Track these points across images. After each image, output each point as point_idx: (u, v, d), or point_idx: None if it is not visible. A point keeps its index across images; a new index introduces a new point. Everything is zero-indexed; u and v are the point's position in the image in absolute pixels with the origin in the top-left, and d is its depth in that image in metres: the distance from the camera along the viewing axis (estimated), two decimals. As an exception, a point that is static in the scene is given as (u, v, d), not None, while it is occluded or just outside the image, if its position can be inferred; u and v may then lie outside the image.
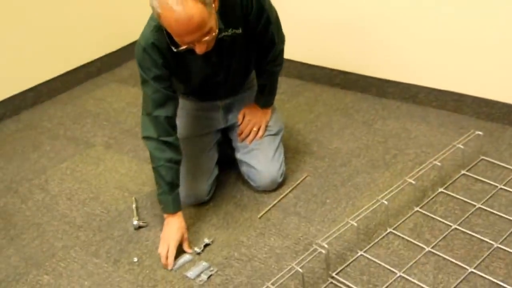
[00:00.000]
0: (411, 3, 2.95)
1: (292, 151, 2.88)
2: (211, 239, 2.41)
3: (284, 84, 3.42)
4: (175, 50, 2.12)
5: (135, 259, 2.37)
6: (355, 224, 2.21)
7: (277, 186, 2.64)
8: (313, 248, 2.13)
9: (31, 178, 2.96)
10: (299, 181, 2.69)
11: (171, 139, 2.33)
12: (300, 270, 2.04)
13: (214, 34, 2.08)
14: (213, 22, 2.05)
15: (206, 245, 2.40)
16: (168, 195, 2.34)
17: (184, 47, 2.10)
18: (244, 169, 2.65)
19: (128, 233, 2.51)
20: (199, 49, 2.09)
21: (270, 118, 2.69)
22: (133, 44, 3.99)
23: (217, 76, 2.45)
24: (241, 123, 2.64)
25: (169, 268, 2.29)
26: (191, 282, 2.23)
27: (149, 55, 2.21)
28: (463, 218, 2.35)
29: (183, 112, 2.61)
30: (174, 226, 2.34)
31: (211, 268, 2.28)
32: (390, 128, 3.01)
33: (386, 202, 2.27)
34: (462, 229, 2.30)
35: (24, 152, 3.21)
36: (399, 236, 2.31)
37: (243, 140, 2.63)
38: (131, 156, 3.04)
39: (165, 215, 2.38)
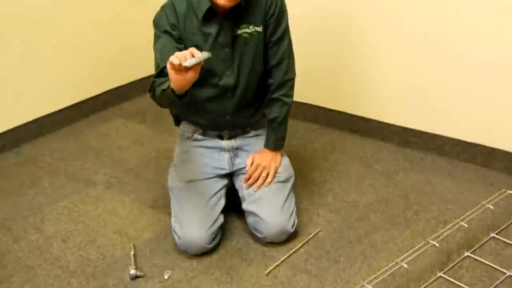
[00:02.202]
0: (440, 47, 2.80)
1: (306, 202, 2.69)
2: None
3: (299, 129, 3.27)
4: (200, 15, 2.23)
5: None
6: (372, 289, 1.99)
7: (286, 238, 2.45)
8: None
9: (27, 216, 2.79)
10: (311, 236, 2.50)
11: None
12: None
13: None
14: None
15: (207, 302, 2.20)
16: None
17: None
18: (250, 220, 2.47)
19: (124, 282, 2.33)
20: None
21: (280, 164, 2.53)
22: (142, 80, 3.99)
23: (226, 75, 2.36)
24: (249, 167, 2.50)
25: (185, 62, 1.92)
26: None
27: (165, 12, 2.28)
28: (491, 287, 2.12)
29: (188, 155, 2.51)
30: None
31: None
32: (412, 181, 2.82)
33: (406, 266, 2.06)
34: (491, 301, 2.07)
35: (21, 187, 3.05)
36: (420, 305, 2.09)
37: (250, 186, 2.47)
38: (133, 198, 2.87)
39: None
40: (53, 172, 3.16)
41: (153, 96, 2.23)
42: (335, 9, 3.08)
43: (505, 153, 2.79)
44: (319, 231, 2.53)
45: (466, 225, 2.27)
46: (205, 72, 2.27)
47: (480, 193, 2.69)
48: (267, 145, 2.53)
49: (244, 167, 2.52)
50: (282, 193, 2.46)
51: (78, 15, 3.55)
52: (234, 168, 2.54)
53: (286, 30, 2.39)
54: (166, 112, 2.69)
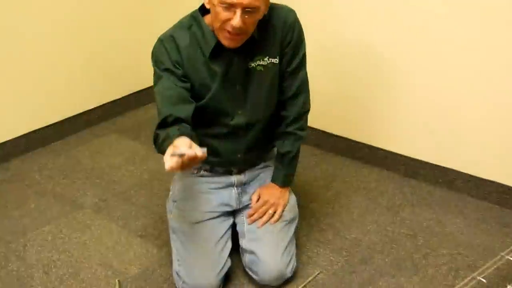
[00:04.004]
0: (454, 77, 2.63)
1: (304, 237, 2.50)
2: None
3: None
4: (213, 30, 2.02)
5: None
6: None
7: (283, 283, 2.27)
8: None
9: (9, 241, 2.63)
10: (310, 279, 2.32)
11: (179, 124, 1.97)
12: None
13: (258, 16, 1.97)
14: (264, 4, 1.95)
15: None
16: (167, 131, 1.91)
17: (220, 9, 1.90)
18: (247, 258, 2.28)
19: None
20: (237, 21, 1.90)
21: (287, 203, 2.37)
22: (138, 93, 3.84)
23: (237, 114, 2.18)
24: (255, 202, 2.35)
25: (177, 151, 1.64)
26: None
27: (166, 48, 2.06)
28: None
29: (192, 192, 2.35)
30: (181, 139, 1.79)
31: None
32: (421, 218, 2.64)
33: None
34: None
35: (6, 207, 2.89)
36: None
37: (253, 221, 2.30)
38: (121, 225, 2.71)
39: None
40: (40, 192, 3.01)
41: (159, 151, 1.91)
42: (343, 33, 2.90)
43: (522, 193, 2.61)
44: (319, 272, 2.35)
45: (484, 281, 2.07)
46: (214, 112, 2.13)
47: (494, 235, 2.51)
48: (275, 180, 2.37)
49: (249, 204, 2.35)
50: (285, 235, 2.29)
51: (69, 28, 3.40)
52: (241, 206, 2.37)
53: (304, 59, 2.22)
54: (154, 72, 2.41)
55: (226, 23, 1.92)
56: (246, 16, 1.90)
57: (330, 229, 2.60)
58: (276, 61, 2.12)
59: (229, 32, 1.93)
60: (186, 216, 2.26)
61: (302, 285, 2.27)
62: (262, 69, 2.11)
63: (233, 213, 2.37)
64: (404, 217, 2.66)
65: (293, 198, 2.40)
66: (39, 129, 3.41)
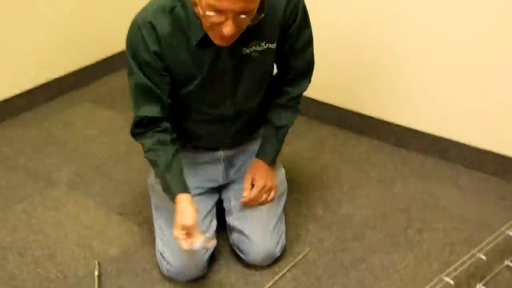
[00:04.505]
0: (447, 39, 2.52)
1: (292, 212, 2.39)
2: None
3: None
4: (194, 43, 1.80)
5: None
6: None
7: (272, 262, 2.18)
8: None
9: (-20, 221, 2.50)
10: (299, 257, 2.21)
11: (158, 128, 1.98)
12: None
13: (253, 15, 1.68)
14: (256, 6, 1.66)
15: None
16: (167, 178, 1.95)
17: (210, 15, 1.63)
18: (234, 237, 2.17)
19: None
20: (229, 28, 1.64)
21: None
22: (111, 58, 3.66)
23: (225, 104, 2.00)
24: (248, 191, 2.17)
25: (198, 248, 1.87)
26: None
27: (143, 35, 1.78)
28: (509, 332, 1.85)
29: None
30: (186, 203, 1.90)
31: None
32: (413, 191, 2.54)
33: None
34: None
35: (-26, 184, 2.75)
36: None
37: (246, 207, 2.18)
38: (99, 202, 2.59)
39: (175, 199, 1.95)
40: (11, 168, 2.86)
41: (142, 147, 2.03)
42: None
43: (519, 163, 2.52)
44: (309, 251, 2.25)
45: (484, 257, 1.98)
46: (199, 100, 1.97)
47: (490, 208, 2.42)
48: (265, 157, 2.20)
49: (237, 179, 2.22)
50: (274, 213, 2.17)
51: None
52: (228, 180, 2.23)
53: (311, 37, 2.04)
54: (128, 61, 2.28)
55: (216, 26, 1.67)
56: (239, 19, 1.65)
57: (319, 204, 2.48)
58: (273, 46, 1.90)
59: (220, 34, 1.70)
60: None
61: (291, 264, 2.17)
62: (258, 55, 1.89)
63: (219, 188, 2.25)
64: (396, 190, 2.56)
65: (282, 172, 2.29)
66: (6, 99, 3.26)
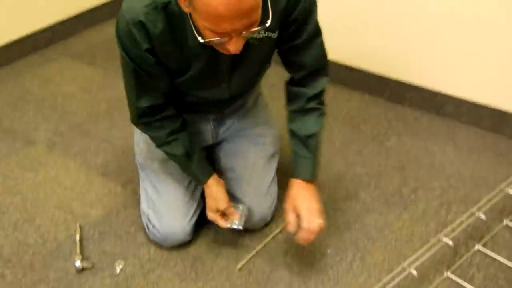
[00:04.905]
0: None
1: (281, 172, 2.25)
2: None
3: (271, 75, 2.76)
4: (202, 41, 1.48)
5: None
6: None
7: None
8: None
9: (-46, 182, 2.41)
10: (291, 218, 2.09)
11: (163, 114, 1.84)
12: None
13: (257, 28, 1.46)
14: (260, 12, 1.44)
15: (168, 306, 1.86)
16: (191, 167, 1.91)
17: (211, 39, 1.45)
18: (227, 201, 2.05)
19: (68, 276, 1.97)
20: (235, 46, 1.45)
21: (265, 125, 2.13)
22: (90, 11, 3.51)
23: (221, 87, 1.84)
24: (292, 223, 1.82)
25: (240, 226, 1.94)
26: None
27: (132, 34, 1.59)
28: (510, 293, 1.79)
29: None
30: (216, 186, 1.93)
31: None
32: (408, 148, 2.45)
33: (415, 272, 1.70)
34: (510, 311, 1.73)
35: None
36: (426, 315, 1.74)
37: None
38: (79, 162, 2.49)
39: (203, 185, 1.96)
40: (-14, 126, 2.76)
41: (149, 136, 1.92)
42: None
43: (517, 117, 2.44)
44: (301, 211, 2.15)
45: (483, 217, 1.89)
46: (192, 86, 1.80)
47: (488, 165, 2.34)
48: (305, 175, 1.86)
49: (227, 138, 2.09)
50: (268, 174, 2.07)
51: None
52: (218, 139, 2.10)
53: (317, 28, 1.76)
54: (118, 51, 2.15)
55: (219, 45, 1.50)
56: (251, 30, 1.44)
57: (310, 162, 2.38)
58: (274, 35, 1.70)
59: (226, 49, 1.51)
60: (155, 151, 1.98)
61: (282, 226, 2.08)
62: (256, 43, 1.68)
63: (208, 149, 2.13)
64: (390, 148, 2.46)
65: (276, 129, 2.17)
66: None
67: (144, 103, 1.76)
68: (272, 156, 2.10)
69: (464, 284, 1.82)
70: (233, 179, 2.03)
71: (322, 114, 1.87)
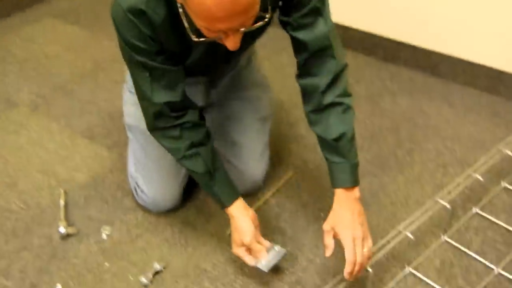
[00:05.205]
0: None
1: (273, 134, 2.20)
2: (163, 263, 1.81)
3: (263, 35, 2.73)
4: (195, 39, 1.39)
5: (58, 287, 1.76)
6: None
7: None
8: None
9: None
10: (283, 181, 2.06)
11: (182, 119, 1.65)
12: None
13: (255, 24, 1.37)
14: (258, 6, 1.34)
15: (156, 273, 1.79)
16: (212, 187, 1.70)
17: (207, 38, 1.38)
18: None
19: (52, 243, 1.91)
20: (233, 43, 1.37)
21: (259, 86, 2.03)
22: None
23: (217, 64, 1.79)
24: (330, 247, 1.62)
25: (265, 268, 1.65)
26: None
27: (133, 22, 1.47)
28: (509, 257, 1.75)
29: None
30: (241, 217, 1.68)
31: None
32: (402, 108, 2.40)
33: (410, 236, 1.64)
34: (508, 276, 1.69)
35: None
36: (420, 280, 1.71)
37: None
38: (63, 124, 2.43)
39: (226, 210, 1.72)
40: (-33, 88, 2.69)
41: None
42: None
43: (514, 78, 2.39)
44: (293, 175, 2.11)
45: (481, 179, 1.84)
46: (187, 69, 1.69)
47: (484, 126, 2.30)
48: (342, 183, 1.62)
49: (219, 100, 2.00)
50: (262, 136, 2.01)
51: None
52: (210, 101, 2.01)
53: (319, 10, 1.57)
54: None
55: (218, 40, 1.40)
56: (248, 27, 1.35)
57: (302, 123, 2.32)
58: (267, 15, 1.46)
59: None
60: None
61: (274, 190, 2.02)
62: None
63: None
64: (384, 108, 2.41)
65: (268, 96, 2.09)
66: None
67: (160, 97, 1.59)
68: (266, 119, 2.04)
69: (462, 248, 1.78)
70: (226, 143, 1.97)
71: (348, 109, 1.63)
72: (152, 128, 1.66)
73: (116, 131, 2.31)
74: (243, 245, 1.66)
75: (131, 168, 1.98)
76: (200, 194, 2.03)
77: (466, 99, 2.44)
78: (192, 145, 1.66)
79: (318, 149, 1.77)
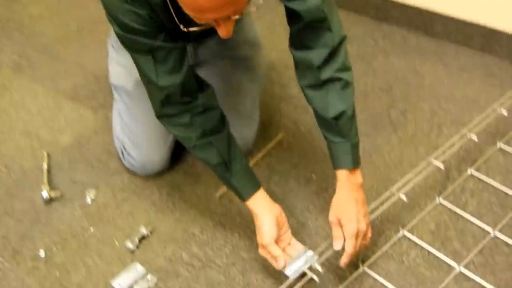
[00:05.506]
0: None
1: (264, 95, 2.15)
2: (149, 228, 1.76)
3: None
4: (185, 30, 1.34)
5: (42, 253, 1.72)
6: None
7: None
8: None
9: None
10: (273, 143, 2.01)
11: (193, 104, 1.54)
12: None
13: (247, 8, 1.30)
14: None
15: (143, 238, 1.75)
16: (229, 180, 1.58)
17: (198, 27, 1.32)
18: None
19: (34, 207, 1.87)
20: (225, 31, 1.30)
21: (250, 44, 1.95)
22: None
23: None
24: (339, 238, 1.53)
25: (292, 275, 1.49)
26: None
27: (130, 8, 1.38)
28: (505, 220, 1.70)
29: None
30: (261, 214, 1.54)
31: (149, 278, 1.63)
32: (395, 68, 2.34)
33: (404, 197, 1.60)
34: (504, 239, 1.65)
35: None
36: (415, 243, 1.66)
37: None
38: (48, 86, 2.38)
39: (246, 204, 1.58)
40: None
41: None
42: None
43: (509, 36, 2.32)
44: (284, 134, 2.06)
45: (476, 139, 1.79)
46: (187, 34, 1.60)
47: (478, 85, 2.24)
48: (343, 164, 1.54)
49: (207, 59, 1.91)
50: (253, 97, 1.94)
51: None
52: (198, 60, 1.92)
53: None
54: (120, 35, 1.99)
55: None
56: (234, 18, 1.28)
57: (293, 83, 2.25)
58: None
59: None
60: (130, 72, 1.76)
61: (266, 150, 1.97)
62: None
63: None
64: (377, 68, 2.35)
65: (261, 47, 2.01)
66: None
67: (166, 81, 1.49)
68: (257, 79, 1.97)
69: (457, 210, 1.73)
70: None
71: (348, 85, 1.54)
72: (160, 115, 1.56)
73: (102, 93, 2.26)
74: (263, 247, 1.51)
75: (117, 130, 1.92)
76: (188, 157, 1.98)
77: (460, 58, 2.38)
78: (204, 134, 1.55)
79: (310, 110, 1.72)
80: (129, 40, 1.44)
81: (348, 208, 1.50)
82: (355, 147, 1.54)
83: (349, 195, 1.52)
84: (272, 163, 1.94)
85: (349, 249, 1.47)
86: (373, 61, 2.38)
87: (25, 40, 2.63)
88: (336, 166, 1.54)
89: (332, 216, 1.51)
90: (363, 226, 1.49)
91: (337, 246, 1.49)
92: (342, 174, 1.53)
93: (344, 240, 1.48)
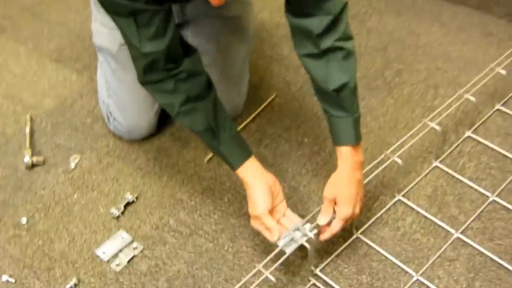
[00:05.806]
0: None
1: (254, 54, 2.08)
2: (135, 194, 1.71)
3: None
4: None
5: (24, 221, 1.67)
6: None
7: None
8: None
9: None
10: (264, 105, 1.94)
11: (177, 70, 1.44)
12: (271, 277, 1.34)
13: None
14: None
15: (128, 204, 1.70)
16: (217, 147, 1.49)
17: None
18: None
19: (17, 173, 1.81)
20: (217, 1, 1.22)
21: (239, 4, 1.83)
22: None
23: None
24: (327, 214, 1.45)
25: (287, 250, 1.39)
26: (103, 266, 1.54)
27: None
28: (504, 184, 1.66)
29: None
30: (252, 183, 1.45)
31: (134, 245, 1.59)
32: (390, 28, 2.27)
33: (399, 161, 1.54)
34: (504, 203, 1.61)
35: None
36: (412, 208, 1.62)
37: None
38: (31, 47, 2.29)
39: (237, 173, 1.50)
40: None
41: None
42: None
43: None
44: (275, 96, 1.99)
45: (473, 99, 1.72)
46: None
47: (476, 45, 2.17)
48: (345, 140, 1.47)
49: (195, 18, 1.81)
50: (242, 58, 1.86)
51: None
52: (185, 18, 1.82)
53: None
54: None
55: None
56: None
57: (285, 43, 2.18)
58: None
59: None
60: (115, 34, 1.62)
61: (255, 113, 1.91)
62: None
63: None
64: (371, 28, 2.27)
65: (252, 9, 1.91)
66: None
67: (150, 47, 1.40)
68: (247, 38, 1.88)
69: (455, 174, 1.68)
70: (203, 65, 1.81)
71: (350, 55, 1.44)
72: (143, 81, 1.47)
73: (87, 54, 2.17)
74: (256, 218, 1.43)
75: (103, 93, 1.85)
76: (175, 122, 1.92)
77: (457, 18, 2.30)
78: (188, 100, 1.46)
79: (302, 70, 1.65)
80: (108, 2, 1.35)
81: (347, 190, 1.43)
82: (357, 121, 1.47)
83: (351, 176, 1.45)
84: (263, 126, 1.88)
85: (336, 228, 1.42)
86: (367, 20, 2.29)
87: (7, 1, 2.53)
88: (337, 142, 1.47)
89: (328, 192, 1.44)
90: (357, 211, 1.44)
91: (322, 221, 1.43)
92: (345, 151, 1.46)
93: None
